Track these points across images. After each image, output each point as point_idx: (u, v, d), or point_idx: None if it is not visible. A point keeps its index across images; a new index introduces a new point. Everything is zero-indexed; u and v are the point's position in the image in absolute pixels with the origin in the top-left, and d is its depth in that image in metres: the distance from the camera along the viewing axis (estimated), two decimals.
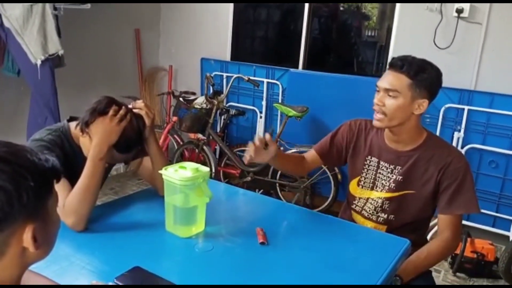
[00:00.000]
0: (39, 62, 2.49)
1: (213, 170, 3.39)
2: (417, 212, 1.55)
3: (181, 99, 3.58)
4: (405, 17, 3.15)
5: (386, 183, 1.57)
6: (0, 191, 0.61)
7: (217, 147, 3.70)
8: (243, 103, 3.78)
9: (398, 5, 3.18)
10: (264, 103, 3.68)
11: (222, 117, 3.75)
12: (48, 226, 0.70)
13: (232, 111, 3.59)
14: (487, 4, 2.82)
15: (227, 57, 3.91)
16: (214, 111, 3.39)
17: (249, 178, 3.39)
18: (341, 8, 5.43)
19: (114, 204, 1.55)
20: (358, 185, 1.64)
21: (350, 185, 1.69)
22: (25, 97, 2.84)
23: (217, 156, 3.70)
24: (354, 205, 1.67)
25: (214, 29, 3.94)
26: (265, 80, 3.64)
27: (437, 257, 1.50)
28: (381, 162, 1.58)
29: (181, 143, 3.66)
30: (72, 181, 1.30)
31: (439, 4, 2.94)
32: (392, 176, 1.55)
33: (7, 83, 2.90)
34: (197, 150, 3.45)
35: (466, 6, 2.85)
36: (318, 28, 4.20)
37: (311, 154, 1.73)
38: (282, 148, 3.26)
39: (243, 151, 3.64)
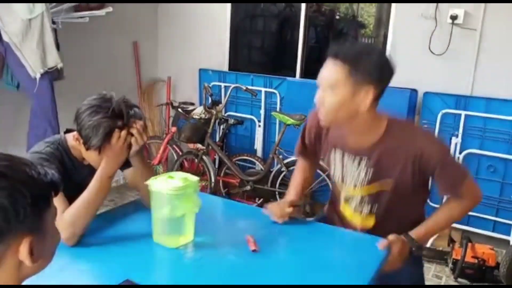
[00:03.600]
0: (38, 76, 2.51)
1: (213, 180, 3.40)
2: (404, 197, 1.43)
3: (180, 109, 3.60)
4: (400, 24, 3.18)
5: (355, 176, 1.44)
6: None
7: (216, 157, 3.71)
8: (241, 113, 3.80)
9: (393, 12, 3.21)
10: (262, 112, 3.70)
11: (221, 127, 3.77)
12: (45, 240, 0.69)
13: (231, 121, 3.61)
14: (481, 10, 2.86)
15: (225, 67, 3.94)
16: (212, 120, 3.41)
17: (248, 187, 3.40)
18: (337, 17, 5.48)
19: (102, 217, 1.53)
20: (331, 179, 1.58)
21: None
22: (24, 110, 2.85)
23: (217, 166, 3.71)
24: (341, 198, 1.59)
25: (211, 40, 3.97)
26: (263, 89, 3.66)
27: (454, 217, 1.47)
28: (346, 155, 1.45)
29: (181, 153, 3.67)
30: (70, 193, 1.30)
31: (434, 11, 2.97)
32: (360, 168, 1.42)
33: (6, 96, 2.92)
34: (196, 160, 3.46)
35: (460, 12, 2.89)
36: (315, 37, 4.24)
37: (301, 163, 1.73)
38: (281, 157, 3.27)
39: (242, 160, 3.65)
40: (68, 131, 1.49)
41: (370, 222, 1.50)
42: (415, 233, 1.41)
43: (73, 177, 1.41)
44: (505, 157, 2.84)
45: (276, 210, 1.51)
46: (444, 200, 1.50)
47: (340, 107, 1.30)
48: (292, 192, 1.67)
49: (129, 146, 1.37)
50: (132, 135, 1.35)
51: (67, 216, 1.26)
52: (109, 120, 1.30)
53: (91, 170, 1.46)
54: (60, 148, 1.42)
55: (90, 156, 1.38)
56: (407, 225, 1.44)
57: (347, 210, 1.56)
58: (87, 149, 1.34)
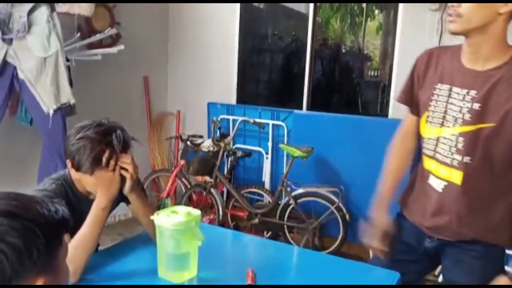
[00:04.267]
0: (51, 112, 2.59)
1: (221, 213, 3.39)
2: (497, 155, 1.27)
3: (188, 142, 3.64)
4: (404, 55, 3.21)
5: (458, 114, 1.30)
6: (10, 249, 0.60)
7: (225, 189, 3.72)
8: (249, 145, 3.84)
9: (397, 43, 3.26)
10: (270, 144, 3.73)
11: (229, 159, 3.79)
12: (58, 277, 0.69)
13: (239, 153, 3.64)
14: None
15: (233, 101, 4.00)
16: (221, 153, 3.44)
17: (256, 220, 3.38)
18: (343, 50, 5.59)
19: (108, 251, 1.54)
20: (427, 122, 1.40)
21: (420, 126, 1.45)
22: (36, 145, 2.92)
23: (225, 198, 3.71)
24: (425, 149, 1.42)
25: (220, 74, 4.07)
26: (270, 122, 3.71)
27: None
28: (453, 89, 1.32)
29: (189, 186, 3.68)
30: (74, 229, 1.31)
31: (437, 43, 3.02)
32: (465, 104, 1.28)
33: (19, 131, 2.99)
34: (204, 193, 3.47)
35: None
36: (321, 70, 4.32)
37: (407, 124, 1.51)
38: (289, 189, 3.26)
39: (250, 192, 3.65)
40: None
41: (458, 177, 1.33)
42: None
43: (77, 212, 1.42)
44: None
45: (377, 250, 1.49)
46: None
47: (477, 8, 1.20)
48: (380, 202, 1.54)
49: (123, 179, 1.37)
50: (125, 169, 1.36)
51: None
52: (96, 139, 1.31)
53: None
54: (64, 184, 1.44)
55: (87, 182, 1.38)
56: (493, 195, 1.32)
57: (432, 162, 1.40)
58: (77, 170, 1.35)
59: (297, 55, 3.88)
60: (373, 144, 3.16)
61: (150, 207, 1.52)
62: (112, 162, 1.34)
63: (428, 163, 1.42)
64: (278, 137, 3.72)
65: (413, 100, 1.48)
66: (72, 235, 1.30)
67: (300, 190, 3.24)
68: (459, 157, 1.31)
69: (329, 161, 3.39)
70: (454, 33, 1.27)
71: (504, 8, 1.19)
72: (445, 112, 1.34)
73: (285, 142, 3.63)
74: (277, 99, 4.06)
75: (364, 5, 5.82)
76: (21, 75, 2.58)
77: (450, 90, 1.33)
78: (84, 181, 1.39)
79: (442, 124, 1.35)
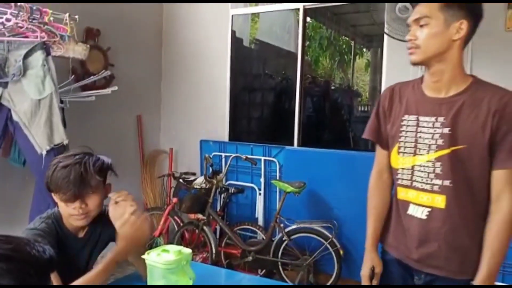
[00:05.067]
0: (44, 152, 2.60)
1: (214, 251, 3.36)
2: (474, 174, 1.32)
3: (181, 180, 3.65)
4: None
5: (430, 141, 1.36)
6: None
7: (218, 227, 3.70)
8: (242, 181, 3.85)
9: (384, 79, 3.36)
10: (262, 180, 3.75)
11: (222, 196, 3.80)
12: None
13: (231, 190, 3.65)
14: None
15: (225, 138, 4.06)
16: (213, 190, 3.45)
17: (250, 258, 3.35)
18: (333, 87, 5.72)
19: None
20: (399, 153, 1.44)
21: (391, 158, 1.49)
22: (29, 186, 2.92)
23: (218, 236, 3.69)
24: (401, 180, 1.44)
25: (212, 112, 4.14)
26: (262, 158, 3.74)
27: (507, 238, 1.30)
28: (420, 118, 1.39)
29: (181, 224, 3.66)
30: (63, 267, 1.31)
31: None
32: (436, 130, 1.35)
33: (12, 172, 3.00)
34: (197, 231, 3.45)
35: None
36: (312, 107, 4.42)
37: (380, 159, 1.56)
38: (282, 225, 3.25)
39: (243, 229, 3.64)
40: None
41: (441, 201, 1.35)
42: (479, 280, 1.31)
43: (66, 250, 1.43)
44: None
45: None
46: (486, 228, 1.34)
47: (432, 38, 1.31)
48: (370, 240, 1.57)
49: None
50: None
51: None
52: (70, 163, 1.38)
53: (85, 243, 1.49)
54: (54, 222, 1.46)
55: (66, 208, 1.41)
56: (476, 217, 1.35)
57: (411, 191, 1.42)
58: (62, 199, 1.38)
59: (287, 92, 3.98)
60: (364, 179, 3.18)
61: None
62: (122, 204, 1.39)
63: (405, 194, 1.44)
64: (270, 173, 3.75)
65: (381, 136, 1.54)
66: (58, 271, 1.30)
67: (294, 226, 3.24)
68: (439, 182, 1.35)
69: (322, 196, 3.41)
70: (415, 64, 1.38)
71: (456, 35, 1.30)
72: (416, 141, 1.39)
73: (277, 177, 3.65)
74: (269, 136, 4.12)
75: (352, 43, 6.03)
76: (15, 117, 2.62)
77: (418, 119, 1.40)
78: (59, 205, 1.42)
79: (415, 153, 1.40)
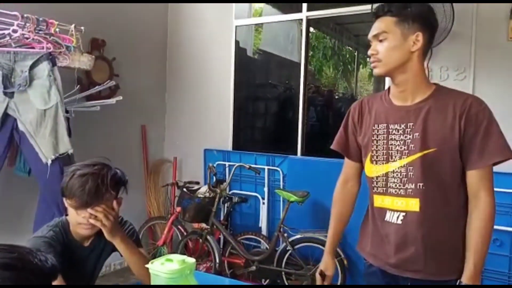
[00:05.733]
0: (49, 162, 2.63)
1: (217, 261, 3.36)
2: (445, 176, 1.37)
3: (184, 189, 3.66)
4: None
5: (402, 147, 1.41)
6: None
7: (221, 236, 3.70)
8: (245, 190, 3.86)
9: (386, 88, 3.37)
10: (266, 189, 3.75)
11: (225, 205, 3.80)
12: None
13: (235, 199, 3.65)
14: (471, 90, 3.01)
15: (229, 147, 4.07)
16: (217, 199, 3.45)
17: (254, 268, 3.34)
18: (336, 96, 5.73)
19: None
20: (372, 162, 1.49)
21: (365, 168, 1.54)
22: (33, 195, 2.93)
23: (221, 245, 3.68)
24: (376, 188, 1.49)
25: (216, 122, 4.16)
26: (266, 167, 3.75)
27: (487, 232, 1.34)
28: (390, 126, 1.45)
29: (185, 233, 3.66)
30: (70, 274, 1.33)
31: None
32: (406, 137, 1.40)
33: (17, 182, 3.02)
34: (201, 240, 3.45)
35: None
36: (315, 116, 4.42)
37: (346, 169, 1.64)
38: (286, 235, 3.25)
39: (247, 239, 3.63)
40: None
41: (415, 204, 1.39)
42: (466, 278, 1.34)
43: (73, 258, 1.45)
44: (510, 230, 2.82)
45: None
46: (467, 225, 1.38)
47: (394, 50, 1.38)
48: (328, 244, 1.68)
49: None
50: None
51: None
52: (90, 173, 1.43)
53: (90, 252, 1.51)
54: (61, 230, 1.48)
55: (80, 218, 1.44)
56: (451, 218, 1.39)
57: (387, 198, 1.46)
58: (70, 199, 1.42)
59: (291, 102, 3.99)
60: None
61: (138, 254, 1.53)
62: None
63: (381, 201, 1.48)
64: (274, 182, 3.75)
65: (348, 147, 1.61)
66: (64, 278, 1.32)
67: (297, 236, 3.23)
68: (412, 186, 1.40)
69: (325, 205, 3.39)
70: (379, 76, 1.48)
71: (414, 47, 1.38)
72: (388, 148, 1.44)
73: (281, 187, 3.65)
74: (272, 145, 4.12)
75: (356, 53, 6.05)
76: (21, 127, 2.65)
77: (387, 127, 1.45)
78: (69, 212, 1.45)
79: (387, 161, 1.45)
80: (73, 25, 2.82)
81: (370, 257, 1.57)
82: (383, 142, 1.46)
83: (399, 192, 1.42)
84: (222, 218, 3.78)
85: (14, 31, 2.56)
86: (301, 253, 3.26)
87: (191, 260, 1.36)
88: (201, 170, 4.14)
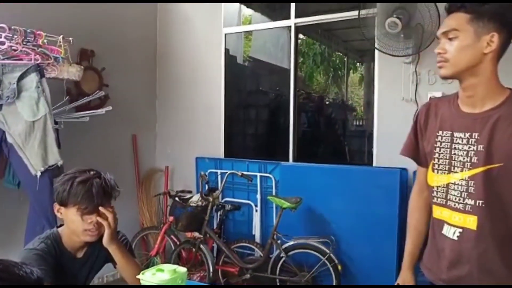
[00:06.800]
0: (38, 174, 2.60)
1: (211, 270, 3.34)
2: (509, 196, 1.26)
3: (177, 198, 3.64)
4: (383, 105, 3.33)
5: (465, 158, 1.30)
6: None
7: (215, 245, 3.67)
8: (238, 198, 3.85)
9: (376, 94, 3.38)
10: (258, 196, 3.75)
11: (218, 213, 3.78)
12: None
13: (228, 206, 3.64)
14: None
15: (221, 155, 4.06)
16: (209, 208, 3.43)
17: (248, 276, 3.32)
18: (327, 102, 5.76)
19: None
20: (433, 170, 1.39)
21: (428, 175, 1.44)
22: (23, 207, 2.90)
23: (215, 254, 3.66)
24: (436, 198, 1.40)
25: (207, 130, 4.16)
26: (258, 174, 3.75)
27: None
28: (455, 134, 1.34)
29: (178, 243, 3.64)
30: (62, 283, 1.31)
31: (414, 95, 3.16)
32: (470, 147, 1.29)
33: (6, 194, 2.98)
34: (194, 250, 3.43)
35: (438, 95, 3.06)
36: (306, 122, 4.44)
37: (420, 176, 1.51)
38: (279, 241, 3.23)
39: (241, 247, 3.61)
40: (61, 225, 1.54)
41: (473, 222, 1.30)
42: None
43: (65, 270, 1.43)
44: None
45: None
46: None
47: (464, 50, 1.27)
48: (406, 260, 1.55)
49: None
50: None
51: None
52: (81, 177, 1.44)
53: (83, 264, 1.49)
54: (53, 243, 1.47)
55: (73, 222, 1.44)
56: (509, 239, 1.30)
57: (445, 210, 1.38)
58: (64, 205, 1.43)
59: (282, 108, 4.00)
60: (361, 193, 3.20)
61: (133, 263, 1.52)
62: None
63: (440, 213, 1.40)
64: (267, 189, 3.75)
65: (418, 153, 1.49)
66: None
67: (291, 242, 3.22)
68: (471, 202, 1.30)
69: (318, 211, 3.40)
70: (445, 78, 1.35)
71: (488, 48, 1.26)
72: (451, 158, 1.34)
73: (274, 193, 3.64)
74: (264, 152, 4.13)
75: (345, 58, 6.10)
76: (9, 139, 2.62)
77: (452, 135, 1.35)
78: (70, 221, 1.44)
79: (449, 171, 1.35)
80: (61, 36, 2.81)
81: (425, 269, 1.50)
82: (446, 151, 1.36)
83: (458, 207, 1.33)
84: (215, 226, 3.76)
85: (2, 43, 2.54)
86: (295, 260, 3.25)
87: (183, 269, 1.36)
88: (193, 178, 4.13)
